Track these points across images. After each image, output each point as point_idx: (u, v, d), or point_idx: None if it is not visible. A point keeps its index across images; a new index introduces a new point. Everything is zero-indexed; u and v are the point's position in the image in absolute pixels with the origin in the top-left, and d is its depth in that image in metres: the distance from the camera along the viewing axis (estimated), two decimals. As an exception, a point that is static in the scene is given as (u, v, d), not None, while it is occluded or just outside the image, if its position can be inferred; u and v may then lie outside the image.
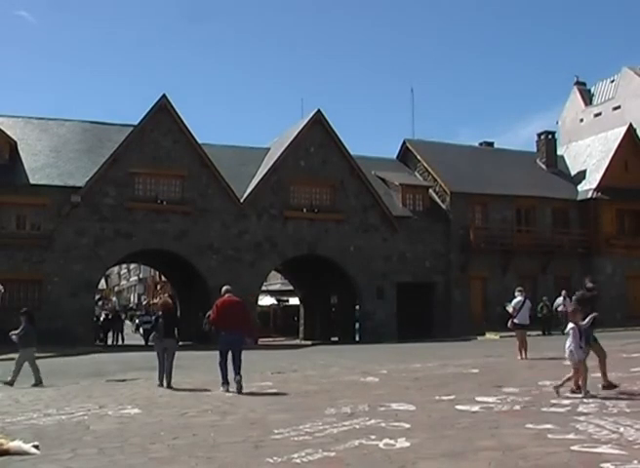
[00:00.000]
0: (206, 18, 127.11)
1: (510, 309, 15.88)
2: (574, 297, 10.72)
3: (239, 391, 10.61)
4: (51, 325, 26.01)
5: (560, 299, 27.29)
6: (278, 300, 44.69)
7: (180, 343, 14.56)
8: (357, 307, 32.43)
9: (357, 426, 7.23)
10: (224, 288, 11.88)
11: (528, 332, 16.24)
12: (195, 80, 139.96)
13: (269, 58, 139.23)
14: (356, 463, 5.55)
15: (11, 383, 12.78)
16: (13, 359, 19.80)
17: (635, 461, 5.12)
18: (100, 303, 48.92)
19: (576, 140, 41.78)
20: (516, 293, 16.23)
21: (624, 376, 10.95)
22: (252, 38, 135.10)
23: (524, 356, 15.24)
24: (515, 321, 15.65)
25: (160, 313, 12.39)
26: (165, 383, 11.76)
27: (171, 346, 11.97)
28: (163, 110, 29.05)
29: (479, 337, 28.18)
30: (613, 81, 50.79)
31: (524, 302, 15.80)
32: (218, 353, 11.18)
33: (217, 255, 29.04)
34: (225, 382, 10.91)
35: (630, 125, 37.16)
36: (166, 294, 40.92)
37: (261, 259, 29.79)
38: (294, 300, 41.36)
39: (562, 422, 6.93)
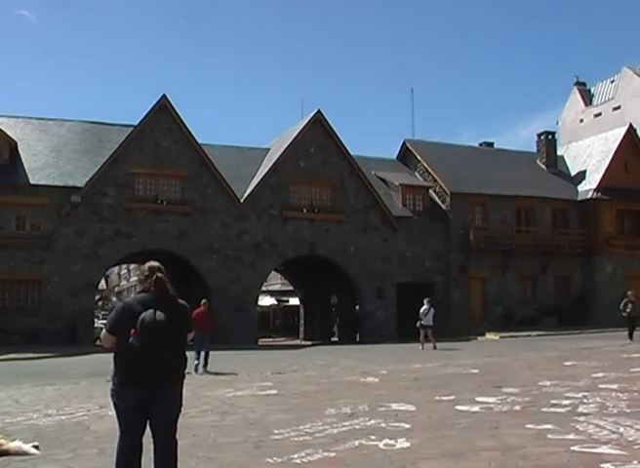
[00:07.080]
0: (206, 17, 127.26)
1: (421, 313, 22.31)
2: None
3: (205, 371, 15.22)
4: (51, 325, 26.11)
5: None
6: (278, 300, 44.71)
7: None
8: (357, 307, 32.42)
9: (357, 426, 7.23)
10: (202, 301, 16.47)
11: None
12: (195, 80, 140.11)
13: (269, 58, 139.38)
14: (356, 463, 5.55)
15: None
16: (13, 359, 19.94)
17: (635, 461, 5.12)
18: (99, 303, 48.86)
19: (576, 141, 41.74)
20: (425, 303, 22.60)
21: (625, 376, 10.94)
22: (252, 38, 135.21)
23: (423, 347, 21.50)
24: (422, 322, 22.03)
25: None
26: None
27: None
28: (163, 110, 29.02)
29: (479, 338, 28.18)
30: (613, 81, 50.79)
31: (429, 310, 22.17)
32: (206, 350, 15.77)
33: (217, 256, 29.01)
34: (198, 360, 15.49)
35: (630, 125, 37.13)
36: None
37: (261, 259, 29.77)
38: (294, 300, 41.36)
39: (562, 422, 6.92)
